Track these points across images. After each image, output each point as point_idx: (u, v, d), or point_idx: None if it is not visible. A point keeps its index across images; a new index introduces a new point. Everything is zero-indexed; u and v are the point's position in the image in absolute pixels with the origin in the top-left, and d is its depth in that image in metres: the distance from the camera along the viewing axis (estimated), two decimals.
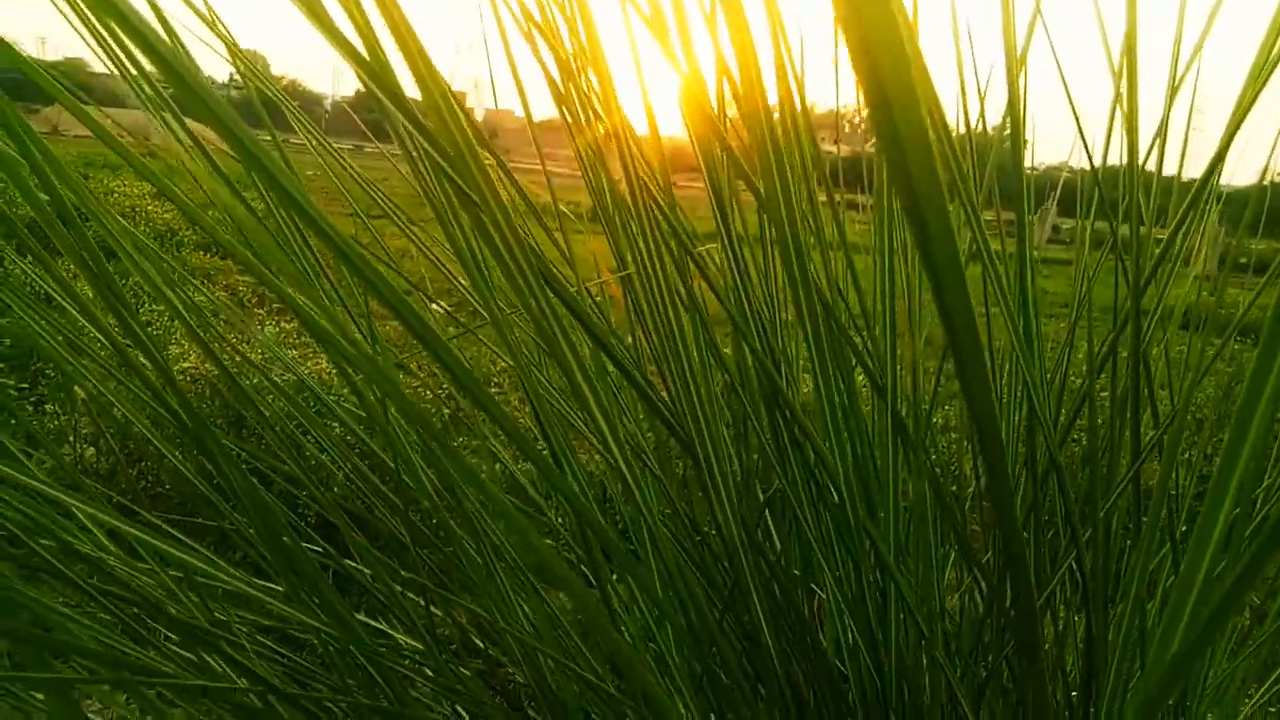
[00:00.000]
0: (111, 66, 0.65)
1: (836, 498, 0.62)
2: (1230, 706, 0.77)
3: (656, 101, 0.64)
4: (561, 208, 0.76)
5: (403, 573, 0.83)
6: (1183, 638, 0.33)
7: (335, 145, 0.87)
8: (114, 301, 0.70)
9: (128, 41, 0.67)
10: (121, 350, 0.75)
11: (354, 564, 0.82)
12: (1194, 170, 0.90)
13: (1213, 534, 0.32)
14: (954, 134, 0.98)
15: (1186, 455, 1.15)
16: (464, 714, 0.81)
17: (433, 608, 0.79)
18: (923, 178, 0.20)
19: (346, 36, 0.42)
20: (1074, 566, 0.60)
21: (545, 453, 0.63)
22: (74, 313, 0.78)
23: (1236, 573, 0.26)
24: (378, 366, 0.42)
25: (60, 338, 0.79)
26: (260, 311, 4.05)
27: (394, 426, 0.80)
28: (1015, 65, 0.60)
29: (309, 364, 3.29)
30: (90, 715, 1.36)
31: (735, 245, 0.67)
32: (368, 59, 0.42)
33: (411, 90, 0.49)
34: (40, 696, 0.74)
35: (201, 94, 0.31)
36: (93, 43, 0.67)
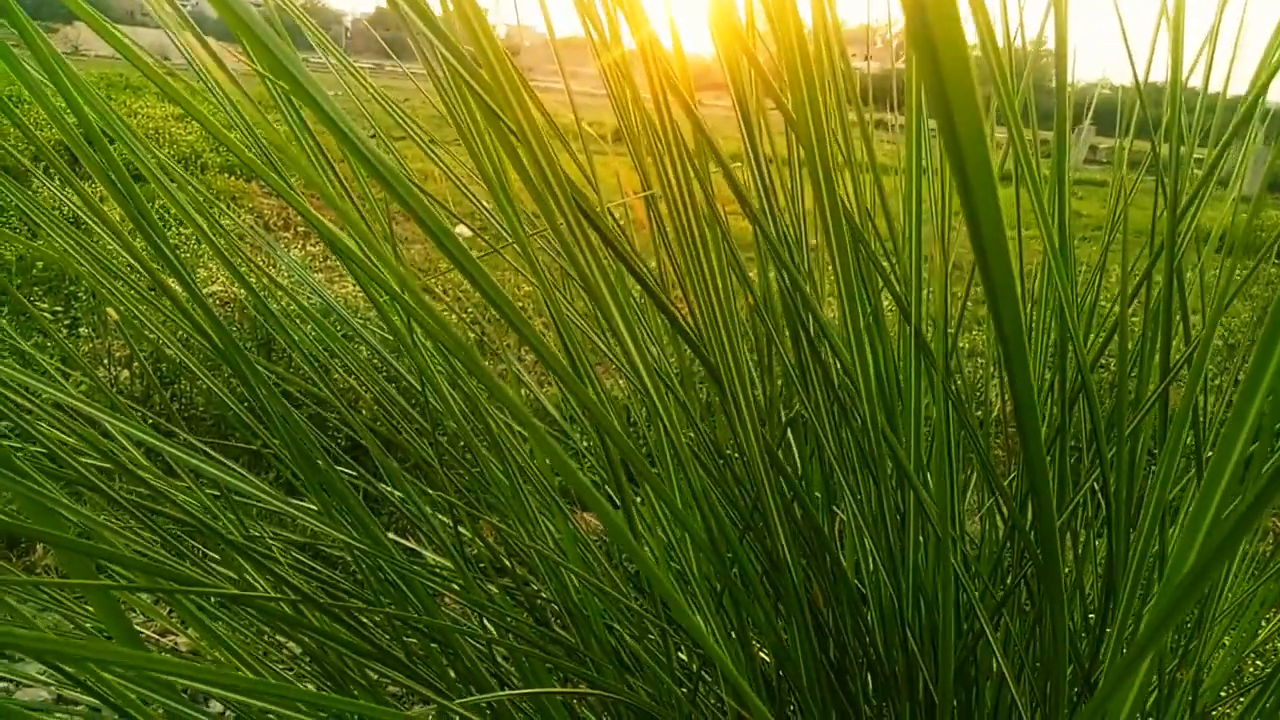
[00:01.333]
0: None
1: (859, 419, 0.62)
2: (1248, 629, 0.77)
3: (682, 15, 0.63)
4: (585, 127, 0.75)
5: (430, 492, 0.84)
6: (1198, 553, 0.33)
7: (355, 64, 0.86)
8: (144, 224, 0.71)
9: None
10: (152, 273, 0.76)
11: (385, 486, 0.84)
12: (1238, 89, 0.87)
13: (1233, 451, 0.32)
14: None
15: (1218, 381, 1.14)
16: (490, 627, 0.84)
17: (460, 527, 0.81)
18: (957, 82, 0.19)
19: None
20: (1096, 488, 0.60)
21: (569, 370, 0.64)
22: (104, 235, 0.78)
23: (1255, 489, 0.26)
24: (406, 282, 0.42)
25: (90, 259, 0.80)
26: (286, 235, 4.06)
27: (420, 349, 0.81)
28: None
29: (335, 287, 3.31)
30: (134, 627, 1.42)
31: (762, 165, 0.66)
32: None
33: (434, 3, 0.48)
34: (91, 608, 0.77)
35: (239, 11, 0.31)
36: None
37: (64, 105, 0.65)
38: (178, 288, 0.75)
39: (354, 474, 0.87)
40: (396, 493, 0.85)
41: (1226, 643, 0.87)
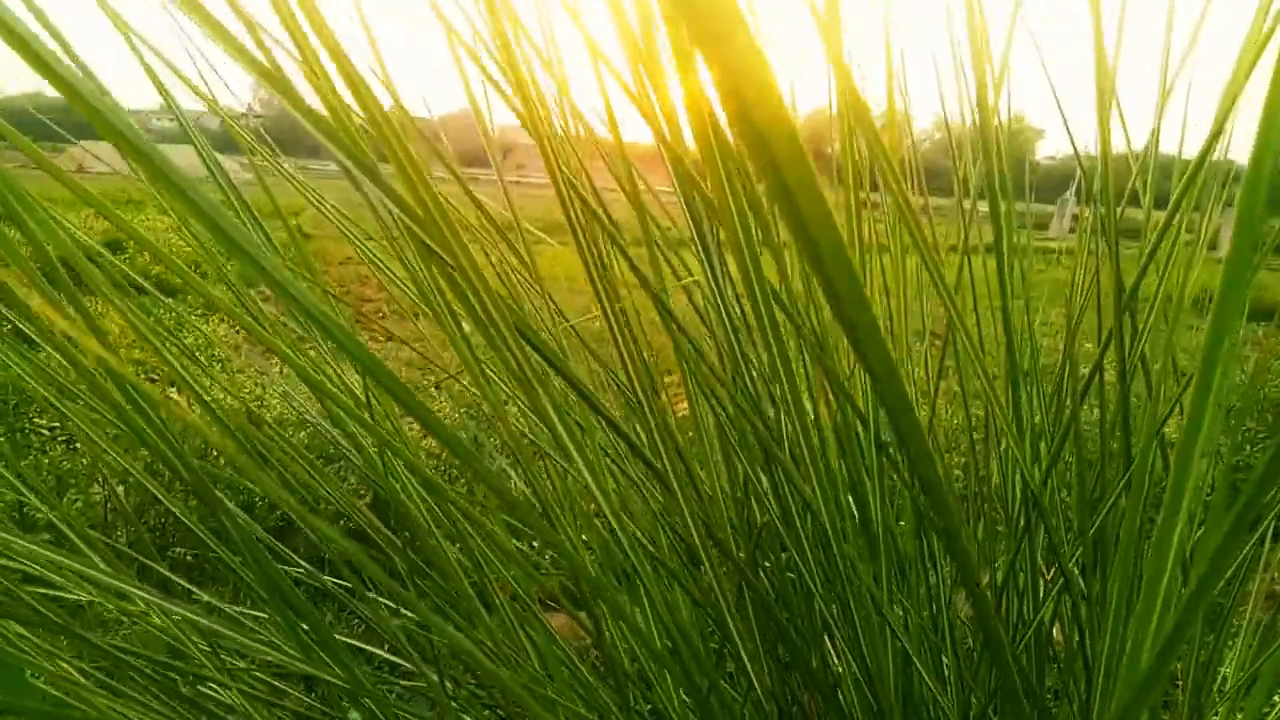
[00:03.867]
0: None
1: (832, 538, 0.60)
2: (1255, 706, 0.74)
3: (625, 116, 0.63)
4: (528, 227, 0.75)
5: (402, 607, 0.83)
6: (1153, 639, 0.32)
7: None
8: (99, 349, 0.70)
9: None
10: (114, 403, 0.76)
11: (335, 585, 0.82)
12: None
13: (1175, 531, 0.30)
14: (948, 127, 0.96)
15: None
16: None
17: (432, 636, 0.79)
18: (794, 171, 0.19)
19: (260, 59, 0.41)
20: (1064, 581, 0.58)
21: (539, 512, 0.63)
22: (52, 354, 0.78)
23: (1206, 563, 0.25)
24: (373, 417, 0.41)
25: (46, 382, 0.79)
26: (281, 344, 4.08)
27: (393, 473, 0.80)
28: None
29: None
30: None
31: (717, 270, 0.66)
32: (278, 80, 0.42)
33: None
34: None
35: (108, 119, 0.26)
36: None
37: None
38: (143, 418, 0.74)
39: (342, 589, 0.85)
40: (380, 604, 0.83)
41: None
